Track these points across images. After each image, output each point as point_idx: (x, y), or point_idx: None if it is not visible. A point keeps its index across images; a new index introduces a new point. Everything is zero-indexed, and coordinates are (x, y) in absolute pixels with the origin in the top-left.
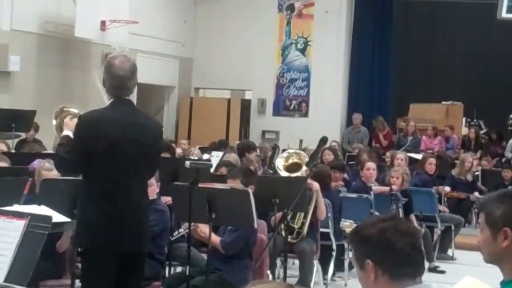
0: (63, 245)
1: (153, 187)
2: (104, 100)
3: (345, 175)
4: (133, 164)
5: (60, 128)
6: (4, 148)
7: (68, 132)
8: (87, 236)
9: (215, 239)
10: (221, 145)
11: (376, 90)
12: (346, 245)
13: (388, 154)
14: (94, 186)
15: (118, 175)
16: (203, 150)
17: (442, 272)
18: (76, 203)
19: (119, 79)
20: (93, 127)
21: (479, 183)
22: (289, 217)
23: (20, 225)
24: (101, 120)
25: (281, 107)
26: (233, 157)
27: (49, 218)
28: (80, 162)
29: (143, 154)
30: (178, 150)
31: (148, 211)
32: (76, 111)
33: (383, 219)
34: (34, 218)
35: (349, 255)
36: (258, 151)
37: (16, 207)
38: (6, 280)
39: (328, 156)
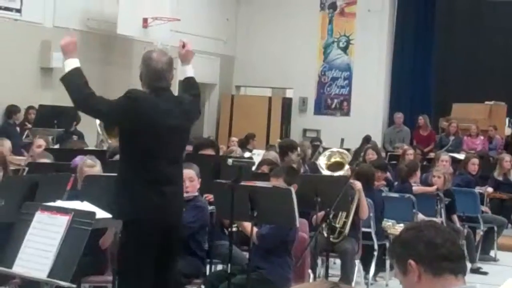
0: (106, 241)
1: (195, 183)
2: None
3: (388, 175)
4: (174, 151)
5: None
6: (43, 144)
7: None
8: (133, 208)
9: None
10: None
11: (418, 90)
12: (387, 245)
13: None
14: (141, 172)
15: (163, 164)
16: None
17: (485, 273)
18: None
19: (156, 72)
20: (139, 106)
21: None
22: (331, 216)
23: (64, 220)
24: (146, 103)
25: (323, 106)
26: (272, 155)
27: (92, 214)
28: (104, 118)
29: (182, 140)
30: (224, 148)
31: (183, 195)
32: None
33: (418, 223)
34: (77, 214)
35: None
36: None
37: (59, 203)
38: (49, 276)
39: (371, 156)
